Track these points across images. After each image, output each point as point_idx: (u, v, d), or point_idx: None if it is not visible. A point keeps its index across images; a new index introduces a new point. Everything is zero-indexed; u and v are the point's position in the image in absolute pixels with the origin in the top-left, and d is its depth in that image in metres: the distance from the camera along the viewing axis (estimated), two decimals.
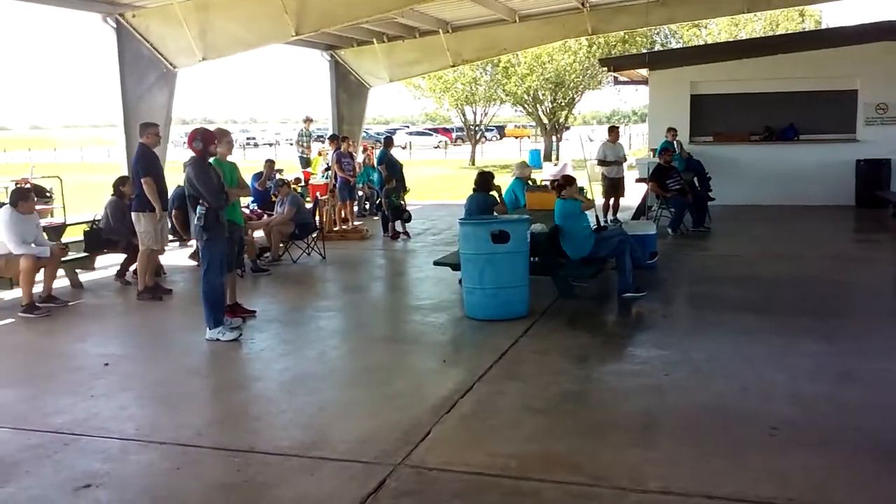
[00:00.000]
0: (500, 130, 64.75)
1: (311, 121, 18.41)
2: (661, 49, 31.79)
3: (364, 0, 12.10)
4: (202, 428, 5.13)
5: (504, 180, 11.42)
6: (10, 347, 7.28)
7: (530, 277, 7.56)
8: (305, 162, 17.60)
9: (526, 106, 36.07)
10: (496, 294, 7.32)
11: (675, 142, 13.82)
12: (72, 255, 9.26)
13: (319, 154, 16.59)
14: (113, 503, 4.13)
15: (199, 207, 6.68)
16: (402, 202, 13.11)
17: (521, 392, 5.60)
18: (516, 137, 57.03)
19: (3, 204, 8.45)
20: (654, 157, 14.28)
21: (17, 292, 8.41)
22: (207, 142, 6.90)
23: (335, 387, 5.98)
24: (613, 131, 14.16)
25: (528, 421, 5.05)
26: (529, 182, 10.99)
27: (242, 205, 9.21)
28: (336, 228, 13.15)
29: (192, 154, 6.93)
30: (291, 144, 26.60)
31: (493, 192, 9.28)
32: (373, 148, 17.18)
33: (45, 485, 4.31)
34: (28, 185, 9.26)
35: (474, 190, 9.12)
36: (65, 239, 9.84)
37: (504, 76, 32.97)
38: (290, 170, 17.19)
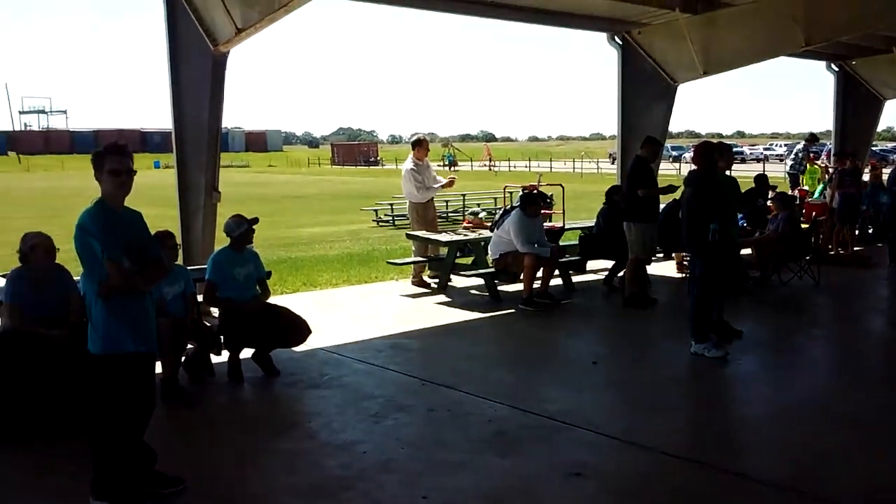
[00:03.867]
0: None
1: (815, 139, 17.01)
2: None
3: (888, 5, 10.83)
4: (683, 439, 5.13)
5: None
6: (510, 334, 8.12)
7: None
8: (795, 180, 16.46)
9: None
10: None
11: None
12: (567, 258, 9.99)
13: (812, 164, 15.38)
14: (598, 496, 4.33)
15: (712, 224, 6.60)
16: None
17: None
18: None
19: (516, 207, 9.45)
20: None
21: (517, 286, 9.35)
22: (716, 156, 6.86)
23: (829, 422, 5.44)
24: None
25: None
26: None
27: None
28: (832, 252, 12.05)
29: (696, 168, 6.94)
30: (783, 161, 25.12)
31: None
32: (882, 167, 15.34)
33: (538, 465, 4.69)
34: (535, 192, 10.19)
35: None
36: (562, 242, 10.65)
37: None
38: (782, 187, 16.25)
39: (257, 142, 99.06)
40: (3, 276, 8.83)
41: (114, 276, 3.84)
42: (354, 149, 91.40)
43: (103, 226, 3.87)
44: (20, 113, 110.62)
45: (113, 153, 3.95)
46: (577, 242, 10.65)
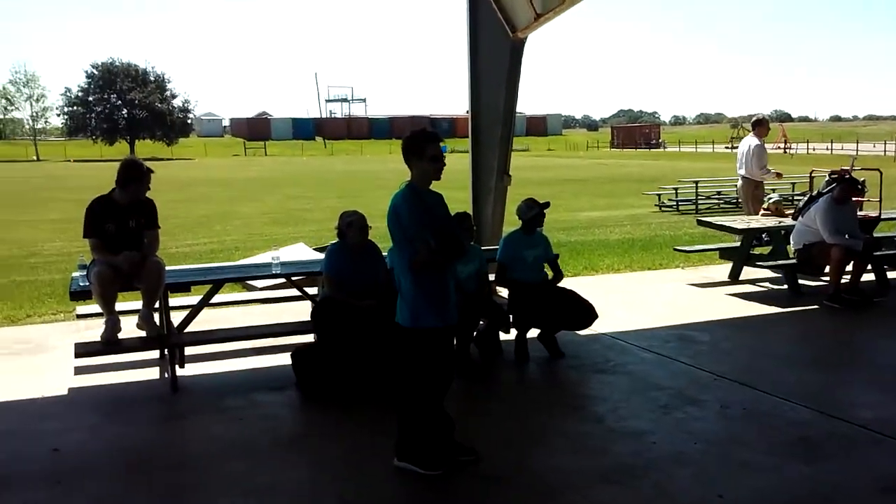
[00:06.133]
0: None
1: None
2: None
3: None
4: None
5: None
6: (813, 332, 7.46)
7: None
8: None
9: None
10: None
11: None
12: (883, 251, 8.98)
13: None
14: None
15: None
16: None
17: None
18: None
19: (824, 194, 8.64)
20: None
21: (822, 280, 8.57)
22: None
23: None
24: None
25: None
26: None
27: None
28: None
29: None
30: None
31: None
32: None
33: (847, 475, 4.27)
34: (847, 177, 9.24)
35: None
36: (876, 234, 9.59)
37: None
38: None
39: (537, 126, 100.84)
40: (320, 249, 9.81)
41: (422, 253, 4.08)
42: (635, 131, 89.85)
43: (414, 207, 4.13)
44: (326, 101, 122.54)
45: (434, 140, 4.19)
46: (894, 234, 9.52)
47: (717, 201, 21.01)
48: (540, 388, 6.18)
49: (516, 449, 4.74)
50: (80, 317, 7.16)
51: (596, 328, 6.84)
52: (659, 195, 21.01)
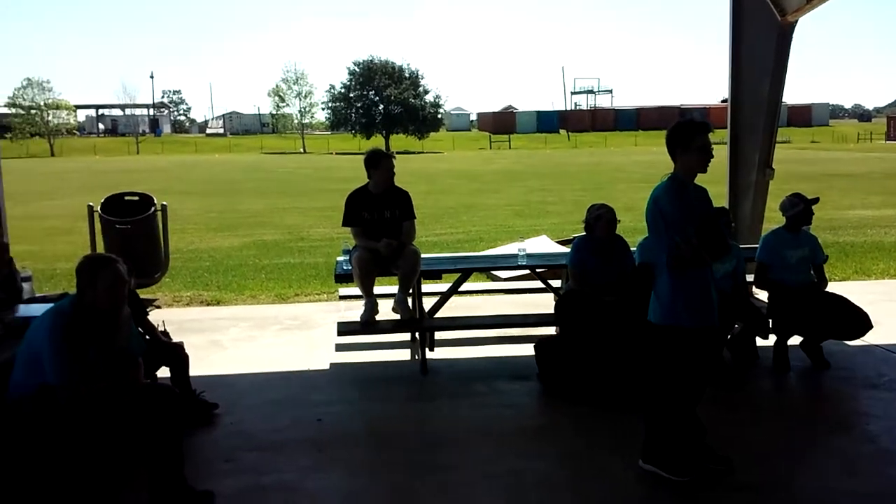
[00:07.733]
0: None
1: None
2: None
3: None
4: None
5: None
6: None
7: None
8: None
9: None
10: None
11: None
12: None
13: None
14: None
15: None
16: None
17: None
18: None
19: None
20: None
21: None
22: None
23: None
24: None
25: None
26: None
27: None
28: None
29: None
30: None
31: None
32: None
33: None
34: None
35: None
36: None
37: None
38: None
39: (801, 116, 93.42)
40: (563, 242, 9.80)
41: (685, 248, 3.88)
42: None
43: (676, 200, 3.93)
44: (571, 93, 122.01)
45: (703, 131, 3.95)
46: None
47: None
48: (802, 400, 5.71)
49: (775, 463, 4.40)
50: (342, 298, 7.70)
51: (868, 339, 6.18)
52: None
